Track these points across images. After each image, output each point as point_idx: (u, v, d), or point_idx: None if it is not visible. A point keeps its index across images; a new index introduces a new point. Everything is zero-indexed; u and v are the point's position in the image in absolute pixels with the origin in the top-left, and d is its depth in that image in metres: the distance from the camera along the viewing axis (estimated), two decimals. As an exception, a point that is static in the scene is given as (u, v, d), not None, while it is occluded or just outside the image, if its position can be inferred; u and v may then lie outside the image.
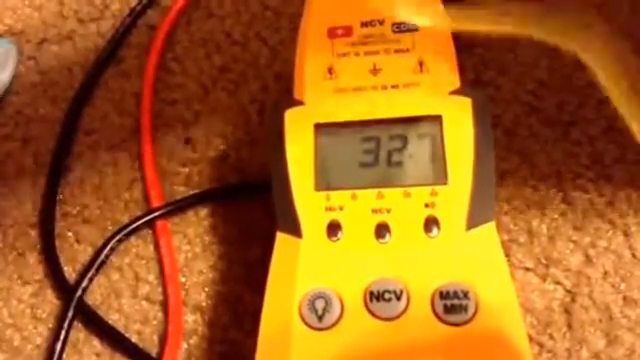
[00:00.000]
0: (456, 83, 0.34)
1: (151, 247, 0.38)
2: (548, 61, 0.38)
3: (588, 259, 0.35)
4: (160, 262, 0.37)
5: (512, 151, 0.37)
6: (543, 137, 0.37)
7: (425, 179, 0.32)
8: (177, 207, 0.38)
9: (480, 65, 0.39)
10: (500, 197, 0.36)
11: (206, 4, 0.42)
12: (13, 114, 0.41)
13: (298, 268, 0.32)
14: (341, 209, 0.32)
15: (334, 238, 0.32)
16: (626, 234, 0.35)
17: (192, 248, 0.37)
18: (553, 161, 0.37)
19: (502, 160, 0.37)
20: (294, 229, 0.32)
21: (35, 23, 0.43)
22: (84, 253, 0.38)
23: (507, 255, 0.35)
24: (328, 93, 0.34)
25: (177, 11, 0.41)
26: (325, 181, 0.33)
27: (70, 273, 0.38)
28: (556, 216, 0.36)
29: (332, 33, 0.35)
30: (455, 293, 0.30)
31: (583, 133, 0.37)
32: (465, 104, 0.33)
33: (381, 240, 0.31)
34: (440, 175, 0.32)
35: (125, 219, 0.38)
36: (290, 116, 0.33)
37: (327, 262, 0.32)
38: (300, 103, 0.34)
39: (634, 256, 0.35)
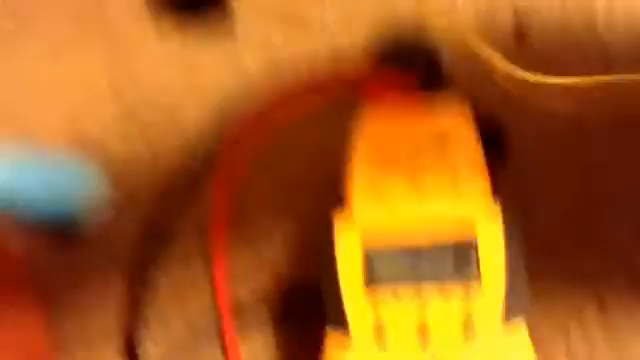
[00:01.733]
0: (488, 191, 0.37)
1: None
2: (583, 176, 0.42)
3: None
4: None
5: (549, 263, 0.40)
6: (579, 253, 0.40)
7: (461, 280, 0.35)
8: (241, 310, 0.42)
9: (519, 179, 0.42)
10: (537, 306, 0.38)
11: (271, 135, 0.47)
12: (103, 234, 0.45)
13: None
14: (385, 309, 0.36)
15: (380, 341, 0.35)
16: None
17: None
18: (590, 274, 0.39)
19: (540, 274, 0.38)
20: (342, 326, 0.35)
21: (120, 147, 0.48)
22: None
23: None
24: (373, 204, 0.38)
25: (248, 144, 0.46)
26: (371, 281, 0.36)
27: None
28: (593, 325, 0.38)
29: (376, 148, 0.39)
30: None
31: (619, 248, 0.39)
32: (496, 212, 0.36)
33: (423, 345, 0.35)
34: (475, 277, 0.35)
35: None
36: (340, 222, 0.38)
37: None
38: (348, 209, 0.38)
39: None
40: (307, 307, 0.41)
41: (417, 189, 0.38)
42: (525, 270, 0.35)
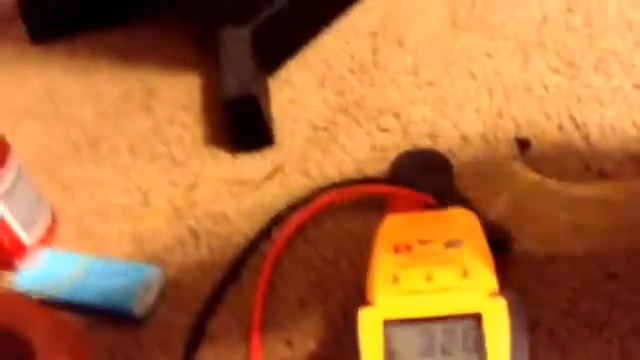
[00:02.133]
0: (494, 286, 0.43)
1: None
2: (581, 272, 0.46)
3: None
4: None
5: (553, 349, 0.44)
6: (580, 336, 0.44)
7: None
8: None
9: (521, 276, 0.47)
10: None
11: (305, 234, 0.54)
12: (157, 323, 0.52)
13: None
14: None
15: None
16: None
17: None
18: (590, 357, 0.43)
19: (545, 355, 0.44)
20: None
21: (178, 255, 0.56)
22: None
23: None
24: (393, 296, 0.43)
25: (283, 240, 0.53)
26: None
27: None
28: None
29: (397, 249, 0.45)
30: None
31: (613, 333, 0.44)
32: (502, 304, 0.41)
33: None
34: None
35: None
36: (363, 314, 0.43)
37: None
38: (371, 304, 0.43)
39: None
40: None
41: (432, 287, 0.43)
42: (527, 357, 0.40)
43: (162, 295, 0.54)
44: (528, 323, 0.42)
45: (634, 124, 0.53)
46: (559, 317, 0.45)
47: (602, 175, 0.51)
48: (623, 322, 0.44)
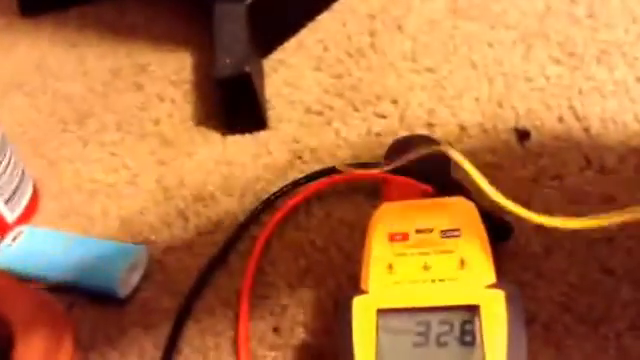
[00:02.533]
0: (492, 278, 0.41)
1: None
2: (578, 268, 0.45)
3: None
4: None
5: (549, 344, 0.43)
6: (576, 332, 0.43)
7: (467, 358, 0.38)
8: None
9: (519, 269, 0.46)
10: None
11: (296, 219, 0.52)
12: (141, 305, 0.51)
13: None
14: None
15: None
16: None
17: None
18: (586, 353, 0.42)
19: (540, 352, 0.43)
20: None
21: (165, 235, 0.54)
22: None
23: None
24: (388, 285, 0.42)
25: (273, 225, 0.52)
26: (383, 358, 0.39)
27: None
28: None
29: (393, 237, 0.44)
30: None
31: (611, 329, 0.43)
32: (499, 296, 0.40)
33: None
34: (479, 355, 0.38)
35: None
36: (357, 302, 0.41)
37: None
38: (365, 292, 0.42)
39: None
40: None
41: (428, 276, 0.42)
42: (525, 352, 0.38)
43: (147, 276, 0.52)
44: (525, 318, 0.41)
45: (636, 118, 0.52)
46: (555, 312, 0.44)
47: (603, 169, 0.50)
48: (621, 318, 0.43)
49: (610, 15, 0.61)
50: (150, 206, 0.57)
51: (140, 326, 0.50)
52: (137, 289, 0.52)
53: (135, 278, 0.52)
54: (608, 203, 0.48)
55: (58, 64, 0.73)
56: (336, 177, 0.53)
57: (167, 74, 0.68)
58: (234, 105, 0.61)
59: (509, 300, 0.40)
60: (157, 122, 0.63)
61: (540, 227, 0.45)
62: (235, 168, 0.58)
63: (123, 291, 0.51)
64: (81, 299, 0.52)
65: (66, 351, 0.47)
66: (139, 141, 0.62)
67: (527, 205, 0.43)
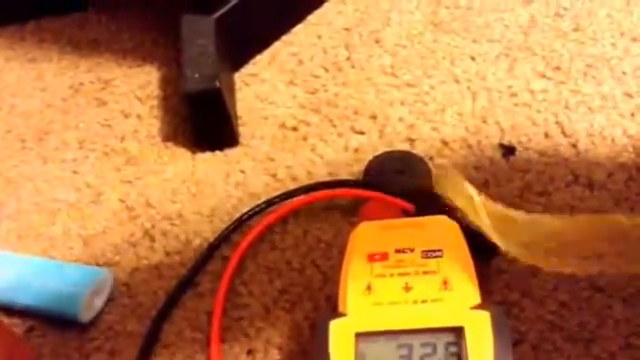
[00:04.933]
0: (477, 299, 0.42)
1: None
2: (567, 285, 0.46)
3: None
4: None
5: (538, 365, 0.43)
6: (566, 352, 0.44)
7: (451, 381, 0.39)
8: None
9: (505, 289, 0.47)
10: None
11: (271, 239, 0.52)
12: (105, 330, 0.50)
13: None
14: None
15: None
16: None
17: None
18: (576, 374, 0.43)
19: (529, 373, 0.43)
20: None
21: (130, 256, 0.54)
22: None
23: None
24: (367, 307, 0.42)
25: (246, 245, 0.52)
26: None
27: None
28: None
29: (371, 258, 0.44)
30: None
31: (603, 349, 0.43)
32: (484, 317, 0.41)
33: None
34: (465, 378, 0.39)
35: None
36: (335, 326, 0.42)
37: None
38: (343, 315, 0.42)
39: None
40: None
41: (410, 298, 0.42)
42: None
43: (112, 299, 0.52)
44: (512, 338, 0.41)
45: (625, 132, 0.54)
46: (545, 332, 0.45)
47: (591, 185, 0.51)
48: (614, 337, 0.44)
49: (596, 29, 0.62)
50: (114, 226, 0.57)
51: (104, 351, 0.49)
52: (101, 312, 0.51)
53: (99, 302, 0.52)
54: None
55: (15, 79, 0.73)
56: (312, 195, 0.54)
57: (132, 89, 0.68)
58: (203, 121, 0.61)
59: (495, 321, 0.41)
60: (122, 139, 0.63)
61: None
62: (205, 187, 0.58)
63: (86, 316, 0.50)
64: (41, 323, 0.51)
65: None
66: (103, 159, 0.62)
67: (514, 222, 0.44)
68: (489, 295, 0.44)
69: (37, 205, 0.60)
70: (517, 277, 0.47)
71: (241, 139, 0.60)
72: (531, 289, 0.47)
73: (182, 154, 0.60)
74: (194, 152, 0.60)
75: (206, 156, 0.60)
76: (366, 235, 0.46)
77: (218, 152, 0.60)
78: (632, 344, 0.44)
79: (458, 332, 0.40)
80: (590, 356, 0.44)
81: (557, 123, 0.55)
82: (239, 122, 0.62)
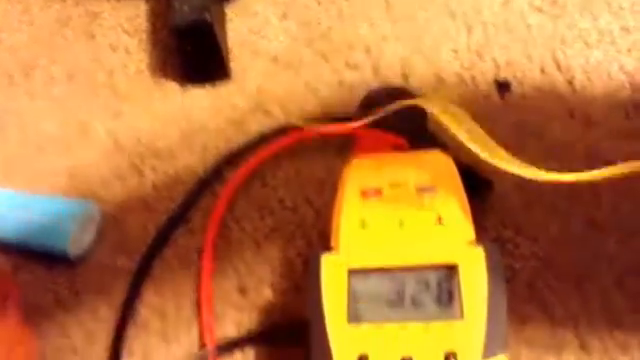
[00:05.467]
0: (471, 235, 0.41)
1: (203, 383, 0.44)
2: (561, 222, 0.46)
3: (604, 401, 0.40)
4: (210, 398, 0.43)
5: (531, 301, 0.43)
6: (559, 289, 0.44)
7: (444, 317, 0.38)
8: (227, 348, 0.45)
9: (499, 225, 0.46)
10: (520, 342, 0.42)
11: (262, 175, 0.51)
12: (94, 265, 0.50)
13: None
14: (369, 343, 0.39)
15: (364, 369, 0.38)
16: (638, 378, 0.40)
17: (239, 385, 0.43)
18: (569, 310, 0.43)
19: (522, 309, 0.43)
20: (327, 360, 0.38)
21: (118, 192, 0.53)
22: (145, 390, 0.45)
23: (526, 396, 0.40)
24: (360, 242, 0.42)
25: (238, 181, 0.51)
26: (356, 318, 0.39)
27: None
28: (572, 360, 0.41)
29: (365, 193, 0.43)
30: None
31: (596, 286, 0.43)
32: (479, 253, 0.40)
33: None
34: (457, 314, 0.38)
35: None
36: (327, 261, 0.41)
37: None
38: (336, 251, 0.42)
39: (648, 398, 0.39)
40: (292, 343, 0.44)
41: (403, 233, 0.42)
42: (505, 310, 0.39)
43: (100, 235, 0.51)
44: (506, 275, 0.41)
45: (622, 68, 0.52)
46: (538, 269, 0.44)
47: (587, 122, 0.50)
48: (606, 275, 0.43)
49: (594, -38, 0.61)
50: (102, 161, 0.55)
51: (93, 288, 0.49)
52: (89, 249, 0.51)
53: (87, 237, 0.51)
54: (592, 157, 0.48)
55: (1, 13, 0.70)
56: (305, 131, 0.53)
57: (120, 22, 0.65)
58: (193, 55, 0.59)
59: (489, 257, 0.40)
60: (110, 73, 0.61)
61: (520, 182, 0.46)
62: (195, 122, 0.56)
63: (74, 251, 0.50)
64: (28, 260, 0.50)
65: (12, 314, 0.46)
66: (91, 93, 0.60)
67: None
68: (482, 232, 0.43)
69: (23, 139, 0.58)
70: (511, 214, 0.47)
71: (232, 73, 0.58)
72: (525, 226, 0.46)
73: (172, 89, 0.59)
74: (184, 87, 0.58)
75: (196, 91, 0.58)
76: (359, 171, 0.45)
77: (209, 87, 0.58)
78: (625, 281, 0.43)
79: (452, 269, 0.40)
80: (582, 293, 0.43)
81: (553, 58, 0.54)
82: (230, 56, 0.60)
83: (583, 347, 0.42)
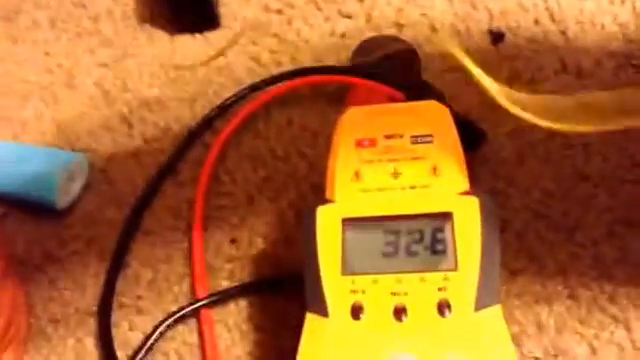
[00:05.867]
0: (466, 185, 0.42)
1: (195, 334, 0.45)
2: (553, 174, 0.46)
3: (593, 350, 0.41)
4: (203, 348, 0.44)
5: (522, 252, 0.44)
6: (550, 240, 0.44)
7: (438, 266, 0.39)
8: (220, 298, 0.45)
9: (492, 177, 0.47)
10: (511, 292, 0.43)
11: (254, 127, 0.51)
12: (82, 217, 0.50)
13: (325, 344, 0.38)
14: (364, 292, 0.39)
15: (357, 318, 0.38)
16: (627, 327, 0.41)
17: (232, 336, 0.44)
18: (559, 261, 0.44)
19: (513, 260, 0.44)
20: (322, 310, 0.39)
21: (107, 143, 0.53)
22: (136, 340, 0.45)
23: (517, 346, 0.41)
24: (355, 193, 0.42)
25: (229, 132, 0.51)
26: (350, 268, 0.40)
27: (122, 358, 0.45)
28: (562, 310, 0.42)
29: (360, 144, 0.44)
30: (465, 369, 0.36)
31: (586, 237, 0.44)
32: (473, 203, 0.41)
33: (399, 320, 0.38)
34: (451, 263, 0.39)
35: (174, 310, 0.45)
36: (322, 212, 0.41)
37: (351, 339, 0.38)
38: (331, 202, 0.42)
39: (635, 347, 0.41)
40: (288, 294, 0.44)
41: (398, 184, 0.42)
42: (499, 261, 0.39)
43: (88, 186, 0.51)
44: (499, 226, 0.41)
45: (614, 20, 0.52)
46: (529, 220, 0.45)
47: (579, 73, 0.50)
48: (597, 225, 0.44)
49: None
50: (89, 111, 0.55)
51: (82, 239, 0.49)
52: (78, 200, 0.51)
53: (75, 188, 0.51)
54: (584, 108, 0.49)
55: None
56: (297, 81, 0.52)
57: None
58: (182, 1, 0.58)
59: (483, 207, 0.40)
60: (96, 19, 0.60)
61: (513, 133, 0.46)
62: (184, 71, 0.56)
63: (62, 202, 0.50)
64: (15, 210, 0.51)
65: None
66: (76, 40, 0.59)
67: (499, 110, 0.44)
68: (475, 183, 0.43)
69: (7, 87, 0.58)
70: (503, 166, 0.47)
71: (222, 21, 0.58)
72: (517, 178, 0.47)
73: (160, 36, 0.58)
74: (172, 34, 0.58)
75: (185, 38, 0.58)
76: (354, 121, 0.45)
77: (198, 35, 0.58)
78: (615, 232, 0.44)
79: (446, 218, 0.40)
80: (573, 244, 0.44)
81: (547, 9, 0.54)
82: (220, 3, 0.59)
83: (573, 297, 0.43)
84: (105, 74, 0.57)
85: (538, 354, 0.41)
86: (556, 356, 0.41)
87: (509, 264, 0.44)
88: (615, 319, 0.41)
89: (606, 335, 0.41)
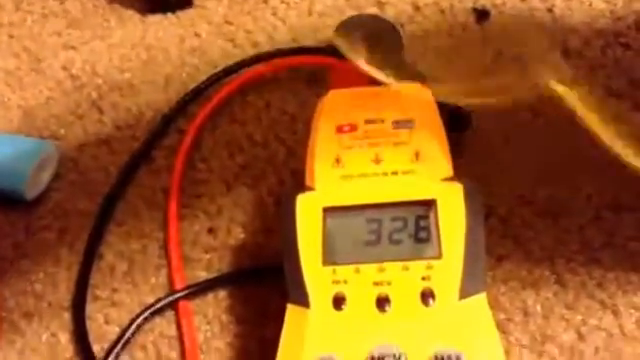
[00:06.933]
0: (449, 171, 0.43)
1: (173, 327, 0.46)
2: (539, 158, 0.48)
3: (580, 336, 0.42)
4: (181, 341, 0.45)
5: (507, 238, 0.45)
6: (535, 226, 0.46)
7: (422, 255, 0.40)
8: (198, 290, 0.46)
9: (477, 161, 0.48)
10: (496, 279, 0.44)
11: (230, 111, 0.52)
12: (52, 208, 0.51)
13: (306, 336, 0.39)
14: (346, 282, 0.40)
15: (339, 309, 0.40)
16: (615, 313, 0.42)
17: (211, 328, 0.45)
18: (545, 247, 0.45)
19: (498, 245, 0.45)
20: (303, 300, 0.40)
21: (77, 130, 0.54)
22: (112, 333, 0.46)
23: (504, 333, 0.43)
24: (335, 180, 0.43)
25: (204, 117, 0.52)
26: (332, 257, 0.41)
27: (98, 352, 0.46)
28: (549, 296, 0.43)
29: (340, 129, 0.45)
30: (449, 358, 0.38)
31: (572, 222, 0.45)
32: (457, 189, 0.42)
33: (382, 310, 0.39)
34: (435, 251, 0.40)
35: (151, 302, 0.46)
36: (301, 200, 0.42)
37: (333, 330, 0.39)
38: (311, 189, 0.43)
39: (623, 333, 0.42)
40: (268, 284, 0.45)
41: (380, 170, 0.43)
42: (484, 248, 0.40)
43: (58, 176, 0.52)
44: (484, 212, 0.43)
45: (603, -3, 0.54)
46: (514, 206, 0.46)
47: (566, 52, 0.51)
48: (583, 211, 0.46)
49: None
50: (58, 96, 0.56)
51: (54, 230, 0.50)
52: (48, 190, 0.52)
53: (44, 178, 0.52)
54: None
55: None
56: (275, 63, 0.53)
57: (71, -56, 0.66)
58: (152, -21, 0.60)
59: (468, 193, 0.42)
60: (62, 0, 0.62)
61: (498, 117, 0.48)
62: (157, 53, 0.57)
63: (31, 192, 0.50)
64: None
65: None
66: (41, 21, 0.60)
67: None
68: (459, 168, 0.45)
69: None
70: (489, 150, 0.48)
71: (195, 0, 0.59)
72: (502, 162, 0.48)
73: (130, 17, 0.59)
74: (143, 14, 0.59)
75: (157, 19, 0.59)
76: (334, 105, 0.46)
77: (170, 14, 0.59)
78: (602, 216, 0.46)
79: (430, 205, 0.41)
80: (559, 229, 0.45)
81: (533, -14, 0.56)
82: (192, -19, 0.61)
83: (560, 283, 0.44)
84: (73, 57, 0.57)
85: (524, 342, 0.42)
86: (543, 343, 0.43)
87: (495, 250, 0.45)
88: (603, 305, 0.43)
89: (594, 321, 0.42)
